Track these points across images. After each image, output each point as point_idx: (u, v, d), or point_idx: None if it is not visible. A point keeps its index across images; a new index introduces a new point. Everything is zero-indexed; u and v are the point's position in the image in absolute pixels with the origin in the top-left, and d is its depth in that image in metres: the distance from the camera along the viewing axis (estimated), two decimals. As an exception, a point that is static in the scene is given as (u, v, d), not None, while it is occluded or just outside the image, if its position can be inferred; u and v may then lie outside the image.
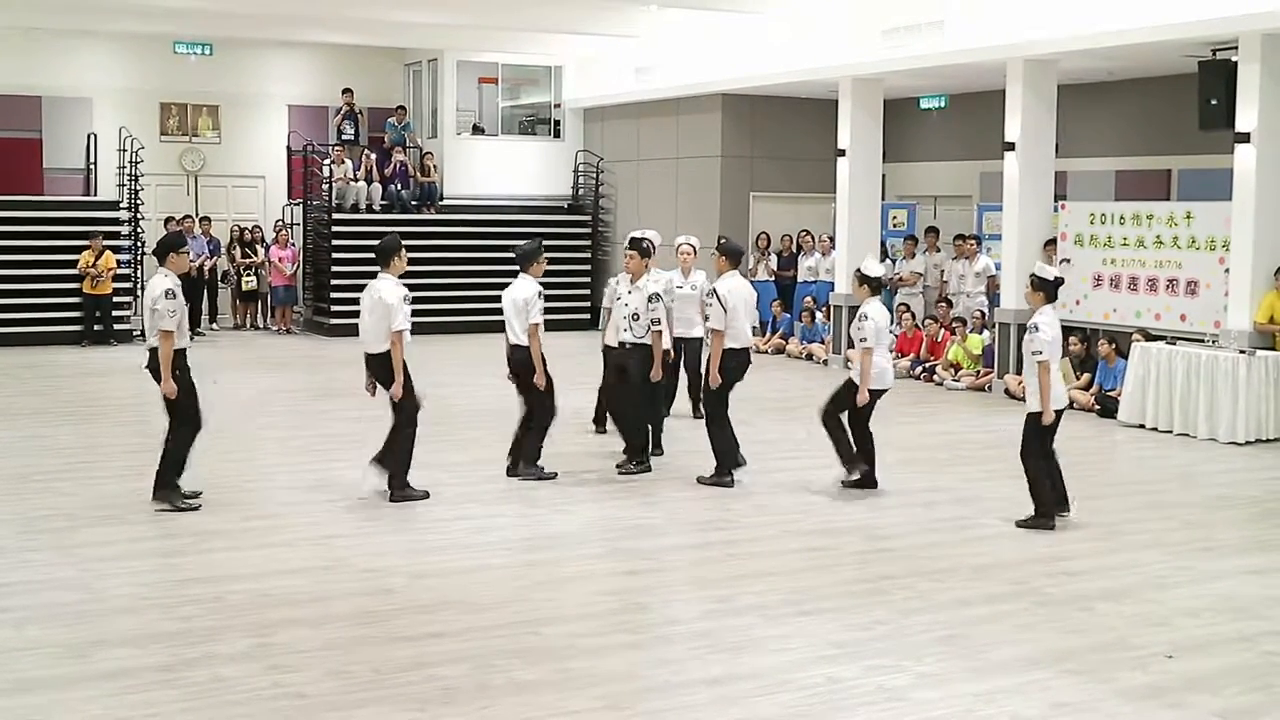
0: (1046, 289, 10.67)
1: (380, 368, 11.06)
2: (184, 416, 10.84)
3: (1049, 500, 10.59)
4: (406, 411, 11.11)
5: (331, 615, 8.18)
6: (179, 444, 10.82)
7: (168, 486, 10.79)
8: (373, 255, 11.38)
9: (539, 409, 12.07)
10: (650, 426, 12.77)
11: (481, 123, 27.17)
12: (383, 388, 11.16)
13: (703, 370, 12.53)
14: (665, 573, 9.33)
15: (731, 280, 11.97)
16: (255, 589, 8.66)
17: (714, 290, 11.89)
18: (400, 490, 11.15)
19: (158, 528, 10.28)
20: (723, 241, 12.37)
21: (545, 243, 13.04)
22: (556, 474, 12.13)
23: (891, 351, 19.76)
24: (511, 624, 8.05)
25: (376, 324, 10.98)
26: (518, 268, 12.12)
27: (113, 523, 10.44)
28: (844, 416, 11.75)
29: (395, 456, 11.16)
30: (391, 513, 10.86)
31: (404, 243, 11.83)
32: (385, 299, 10.91)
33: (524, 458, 12.07)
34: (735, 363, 11.85)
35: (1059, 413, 10.54)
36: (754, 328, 13.27)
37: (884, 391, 11.78)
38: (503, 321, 12.01)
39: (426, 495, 11.22)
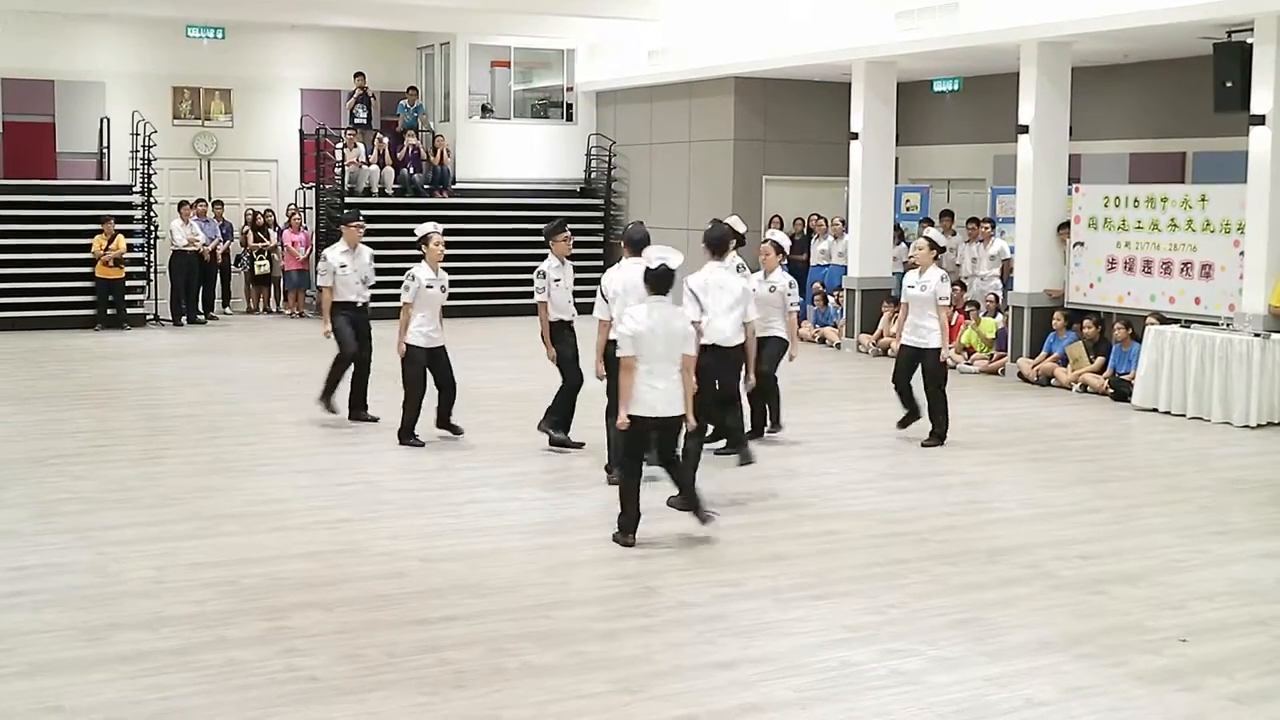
0: (648, 279, 9.41)
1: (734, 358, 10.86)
2: (340, 351, 13.75)
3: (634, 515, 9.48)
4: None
5: (345, 599, 8.19)
6: (333, 370, 13.79)
7: (324, 398, 13.82)
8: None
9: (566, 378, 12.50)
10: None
11: (493, 105, 27.11)
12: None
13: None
14: (677, 556, 9.31)
15: (629, 269, 10.85)
16: (269, 572, 8.68)
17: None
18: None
19: (173, 511, 10.30)
20: (628, 228, 11.56)
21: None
22: (582, 444, 12.45)
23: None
24: (524, 607, 8.06)
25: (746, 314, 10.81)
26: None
27: (128, 506, 10.47)
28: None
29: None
30: (405, 496, 10.88)
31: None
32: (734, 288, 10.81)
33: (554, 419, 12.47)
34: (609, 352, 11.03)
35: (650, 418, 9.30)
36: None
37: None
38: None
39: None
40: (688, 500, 9.73)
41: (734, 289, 10.80)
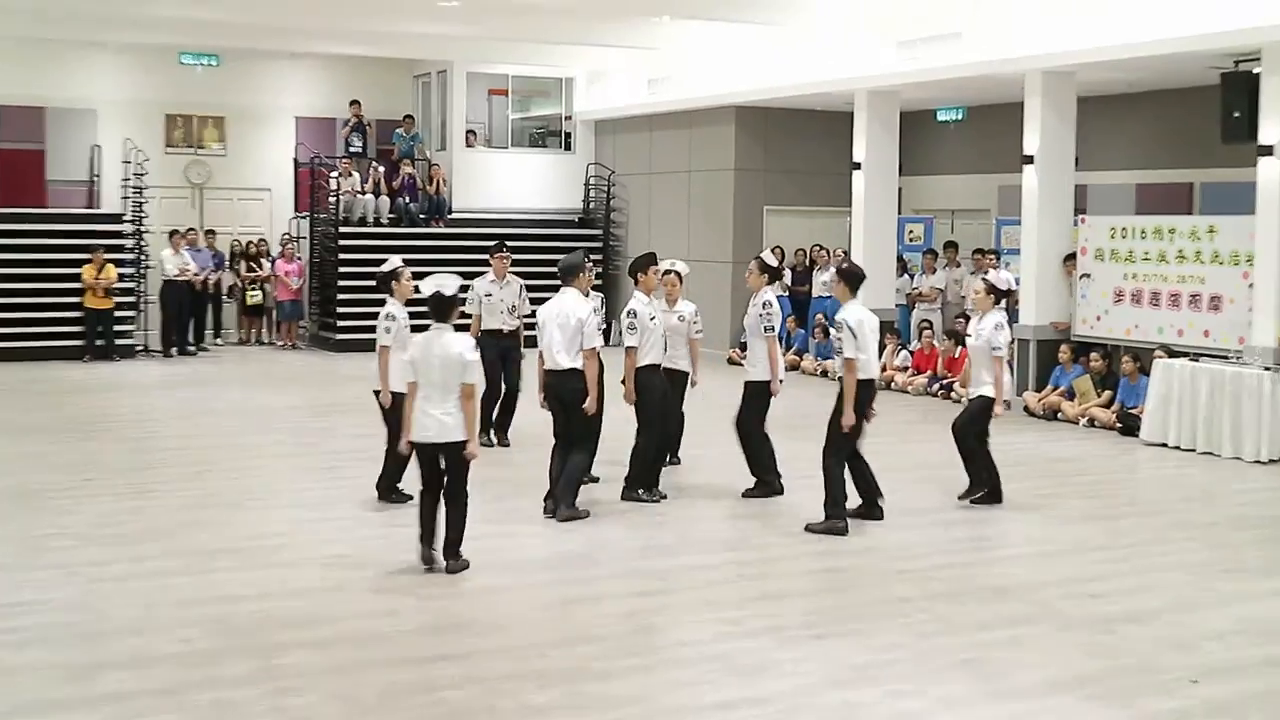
0: (427, 306, 9.52)
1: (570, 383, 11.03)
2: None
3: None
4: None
5: (337, 637, 8.06)
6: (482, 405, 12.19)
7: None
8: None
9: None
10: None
11: (488, 134, 27.02)
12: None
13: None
14: (677, 594, 9.21)
15: (558, 299, 11.21)
16: (259, 610, 8.55)
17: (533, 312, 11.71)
18: (566, 510, 11.17)
19: (160, 547, 10.17)
20: (561, 260, 11.48)
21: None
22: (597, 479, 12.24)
23: (906, 369, 19.76)
24: (520, 646, 7.94)
25: (570, 340, 10.97)
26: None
27: (116, 542, 10.34)
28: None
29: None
30: (399, 532, 10.68)
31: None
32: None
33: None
34: (546, 383, 11.18)
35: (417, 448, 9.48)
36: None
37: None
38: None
39: (586, 514, 11.22)
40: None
41: (875, 325, 11.37)
